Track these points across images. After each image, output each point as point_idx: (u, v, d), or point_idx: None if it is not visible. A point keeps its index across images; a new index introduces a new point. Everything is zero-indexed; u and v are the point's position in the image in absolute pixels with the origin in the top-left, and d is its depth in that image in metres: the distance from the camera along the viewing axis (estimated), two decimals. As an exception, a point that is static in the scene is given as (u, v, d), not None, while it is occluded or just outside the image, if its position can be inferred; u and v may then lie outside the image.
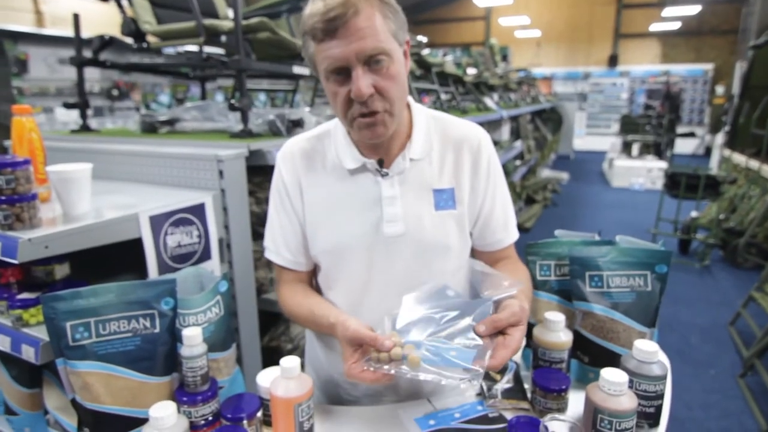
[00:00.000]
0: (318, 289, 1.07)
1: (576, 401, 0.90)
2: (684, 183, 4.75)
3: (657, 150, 9.11)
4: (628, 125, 9.89)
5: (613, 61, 14.07)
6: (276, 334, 1.82)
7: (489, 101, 5.06)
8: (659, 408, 0.85)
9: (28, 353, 0.93)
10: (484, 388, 0.95)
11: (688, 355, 3.08)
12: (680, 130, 11.19)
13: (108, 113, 5.98)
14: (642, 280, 0.98)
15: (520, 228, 1.07)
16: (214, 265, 1.34)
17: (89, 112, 2.15)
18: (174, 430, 0.75)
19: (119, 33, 2.04)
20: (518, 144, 6.52)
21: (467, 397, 0.97)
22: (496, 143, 1.11)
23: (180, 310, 0.89)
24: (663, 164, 8.17)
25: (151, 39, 2.02)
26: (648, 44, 13.81)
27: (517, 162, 6.27)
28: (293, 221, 1.01)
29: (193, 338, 0.83)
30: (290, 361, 0.79)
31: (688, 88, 13.36)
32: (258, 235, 1.51)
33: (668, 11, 11.60)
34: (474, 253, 1.06)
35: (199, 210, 1.29)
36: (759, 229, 4.35)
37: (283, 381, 0.79)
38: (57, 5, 5.32)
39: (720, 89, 12.23)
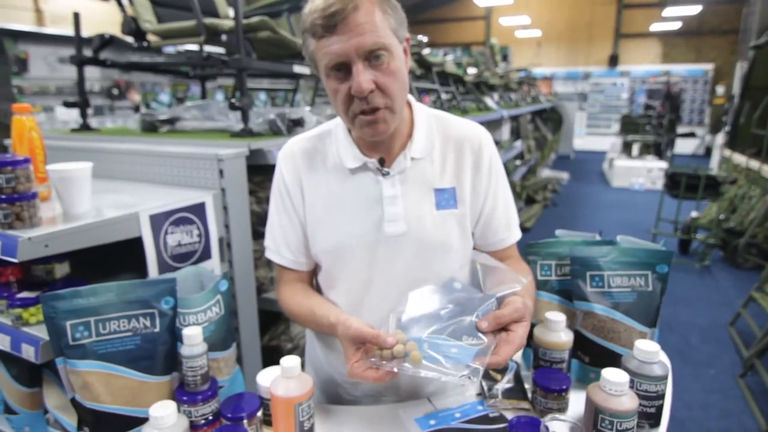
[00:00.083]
0: (318, 289, 1.07)
1: (576, 401, 0.90)
2: (684, 183, 4.74)
3: (657, 150, 9.11)
4: (629, 125, 9.89)
5: (613, 61, 14.07)
6: (276, 333, 1.82)
7: (489, 101, 5.06)
8: (660, 408, 0.85)
9: (27, 352, 0.93)
10: (485, 387, 0.95)
11: (688, 355, 3.08)
12: (680, 130, 11.19)
13: (108, 112, 5.98)
14: (643, 280, 0.98)
15: (521, 228, 1.07)
16: (214, 265, 1.34)
17: (89, 111, 2.15)
18: (174, 429, 0.75)
19: (119, 32, 2.04)
20: (518, 144, 6.52)
21: (468, 397, 0.97)
22: (496, 143, 1.11)
23: (180, 309, 0.88)
24: (663, 164, 8.17)
25: (151, 38, 2.02)
26: (648, 44, 13.80)
27: (518, 162, 6.27)
28: (294, 221, 1.01)
29: (193, 337, 0.83)
30: (290, 361, 0.79)
31: (688, 88, 13.35)
32: (258, 234, 1.51)
33: (669, 11, 11.60)
34: (476, 253, 1.06)
35: (199, 209, 1.29)
36: (759, 229, 4.35)
37: (283, 380, 0.79)
38: (57, 4, 5.32)
39: (720, 89, 12.23)
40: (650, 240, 1.22)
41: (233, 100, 1.65)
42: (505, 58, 9.94)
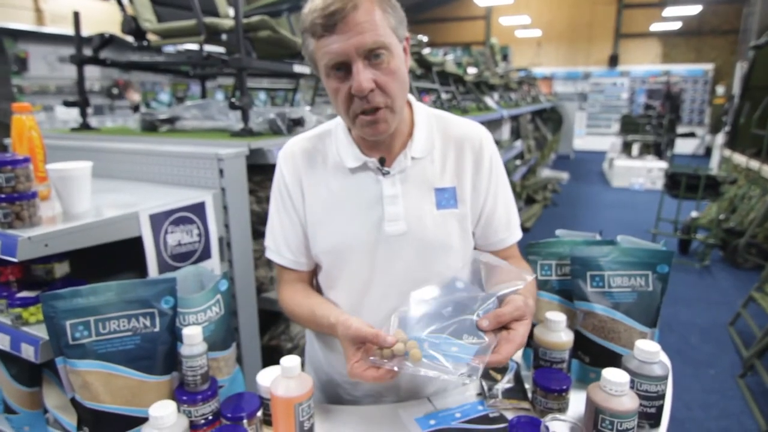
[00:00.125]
0: (319, 289, 1.07)
1: (577, 401, 0.90)
2: (684, 183, 4.75)
3: (657, 150, 9.11)
4: (629, 125, 9.89)
5: (613, 61, 14.06)
6: (276, 333, 1.82)
7: (489, 101, 5.06)
8: (660, 408, 0.85)
9: (27, 352, 0.93)
10: (485, 387, 0.95)
11: (687, 355, 3.08)
12: (680, 130, 11.19)
13: (108, 111, 5.97)
14: (643, 280, 0.98)
15: (521, 228, 1.07)
16: (214, 264, 1.34)
17: (89, 110, 2.15)
18: (174, 429, 0.75)
19: (119, 31, 2.04)
20: (518, 144, 6.52)
21: (468, 397, 0.97)
22: (496, 143, 1.11)
23: (180, 309, 0.88)
24: (663, 164, 8.17)
25: (151, 37, 2.01)
26: (648, 44, 13.80)
27: (518, 162, 6.27)
28: (294, 221, 1.01)
29: (193, 337, 0.83)
30: (291, 361, 0.79)
31: (688, 88, 13.35)
32: (258, 233, 1.51)
33: (669, 11, 11.59)
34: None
35: (199, 209, 1.29)
36: (759, 229, 4.35)
37: (283, 380, 0.79)
38: (57, 3, 5.31)
39: (720, 89, 12.23)
40: (650, 240, 1.22)
41: (233, 100, 1.65)
42: (505, 57, 9.94)
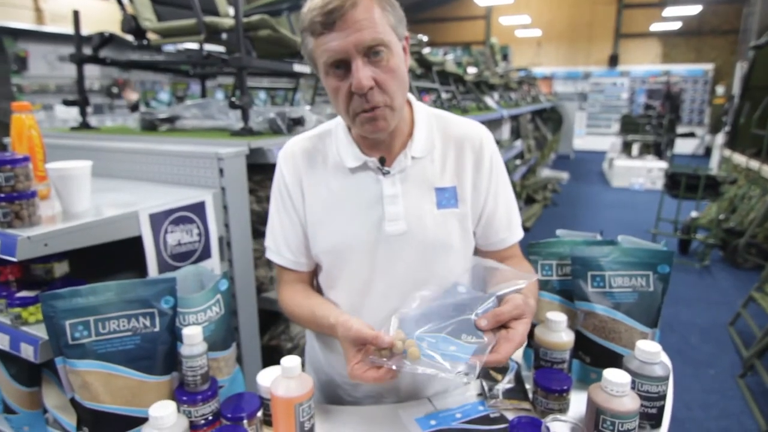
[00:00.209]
0: (319, 290, 1.06)
1: (577, 402, 0.89)
2: (684, 183, 4.75)
3: (657, 150, 9.11)
4: (629, 125, 9.89)
5: (613, 60, 14.06)
6: (276, 332, 1.81)
7: (489, 100, 5.06)
8: (661, 409, 0.84)
9: (27, 352, 0.93)
10: (486, 388, 0.95)
11: (688, 355, 3.08)
12: (680, 130, 11.19)
13: (108, 111, 5.96)
14: (644, 281, 0.98)
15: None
16: (214, 264, 1.34)
17: (89, 109, 2.15)
18: (174, 429, 0.74)
19: (119, 30, 2.03)
20: (518, 143, 6.52)
21: (468, 398, 0.96)
22: (496, 142, 1.11)
23: (180, 308, 0.88)
24: (663, 164, 8.17)
25: (151, 36, 2.01)
26: (648, 44, 13.80)
27: (517, 161, 6.26)
28: (294, 221, 1.00)
29: (193, 337, 0.82)
30: (291, 361, 0.79)
31: (688, 88, 13.35)
32: (258, 233, 1.51)
33: (669, 11, 11.59)
34: (478, 254, 1.05)
35: (199, 208, 1.29)
36: (759, 229, 4.35)
37: (283, 380, 0.79)
38: (57, 2, 5.30)
39: (720, 89, 12.23)
40: (650, 240, 1.22)
41: (233, 99, 1.65)
42: (505, 57, 9.94)
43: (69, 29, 2.14)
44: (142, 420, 0.78)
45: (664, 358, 0.92)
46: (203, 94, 2.74)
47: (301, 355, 1.06)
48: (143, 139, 1.75)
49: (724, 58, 12.95)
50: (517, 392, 0.94)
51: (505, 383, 0.95)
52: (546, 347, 0.95)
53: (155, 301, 0.84)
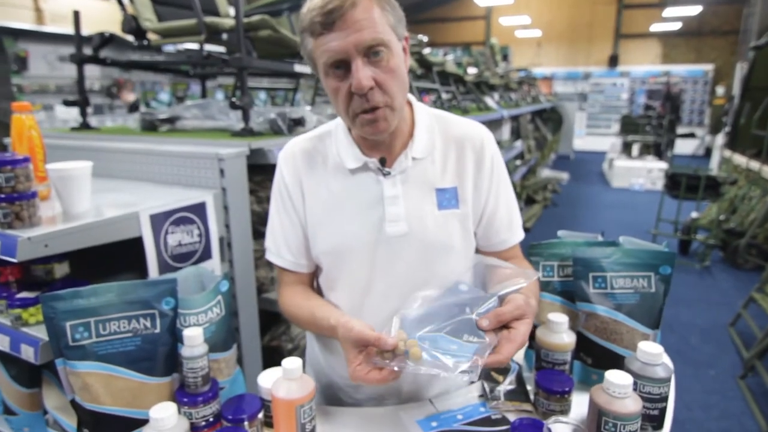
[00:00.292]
0: (319, 291, 1.06)
1: (579, 403, 0.89)
2: (684, 184, 4.74)
3: (657, 150, 9.11)
4: (628, 125, 9.89)
5: (613, 61, 14.06)
6: (276, 333, 1.81)
7: (490, 101, 5.06)
8: (663, 410, 0.84)
9: (27, 353, 0.93)
10: (487, 389, 0.95)
11: (688, 356, 3.08)
12: (680, 130, 11.18)
13: (108, 111, 5.96)
14: (646, 282, 0.97)
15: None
16: (214, 265, 1.34)
17: (89, 109, 2.15)
18: (174, 431, 0.74)
19: (119, 30, 2.03)
20: (518, 144, 6.52)
21: (470, 399, 0.96)
22: (496, 143, 1.11)
23: (181, 310, 0.88)
24: (663, 165, 8.17)
25: (151, 36, 2.01)
26: (648, 44, 13.80)
27: (518, 162, 6.26)
28: (294, 222, 1.00)
29: (193, 338, 0.82)
30: (292, 362, 0.79)
31: (688, 89, 13.35)
32: (259, 234, 1.51)
33: (669, 12, 11.59)
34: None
35: (199, 209, 1.28)
36: (759, 230, 4.35)
37: (284, 382, 0.78)
38: (57, 3, 5.30)
39: (720, 90, 12.23)
40: (650, 240, 1.21)
41: (234, 99, 1.65)
42: (505, 58, 9.94)
43: (69, 29, 2.14)
44: (143, 421, 0.78)
45: (666, 359, 0.92)
46: (203, 95, 2.74)
47: (302, 356, 1.06)
48: (143, 139, 1.74)
49: (724, 58, 12.95)
50: (518, 394, 0.94)
51: (507, 385, 0.95)
52: (547, 348, 0.95)
53: (156, 302, 0.84)
